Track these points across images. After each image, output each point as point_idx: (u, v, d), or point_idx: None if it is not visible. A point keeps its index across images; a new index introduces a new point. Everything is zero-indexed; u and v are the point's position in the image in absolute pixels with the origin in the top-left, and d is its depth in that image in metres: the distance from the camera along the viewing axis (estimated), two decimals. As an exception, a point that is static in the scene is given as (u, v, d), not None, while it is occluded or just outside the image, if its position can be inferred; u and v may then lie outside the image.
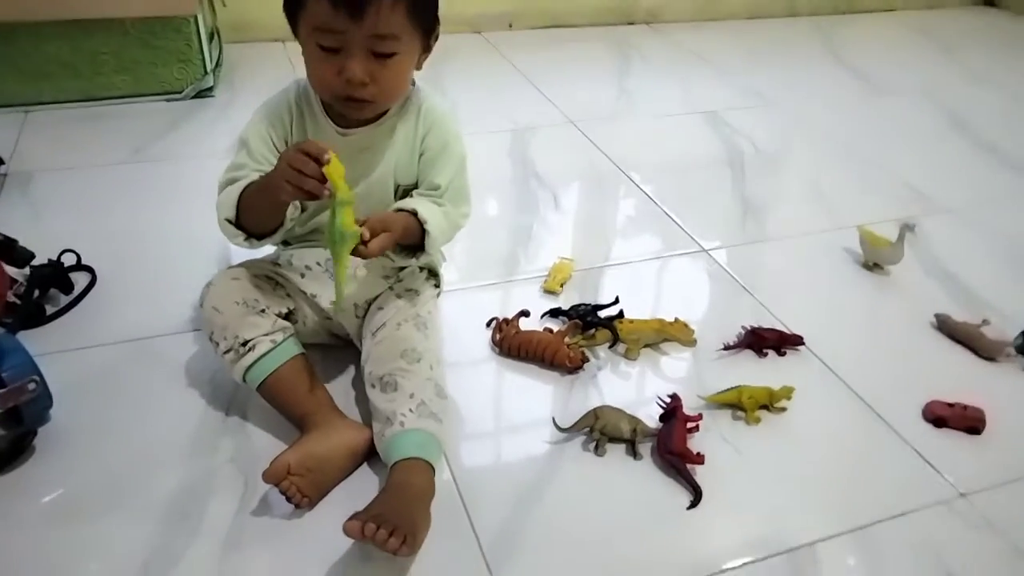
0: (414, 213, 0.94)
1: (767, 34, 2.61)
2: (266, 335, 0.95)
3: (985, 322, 1.21)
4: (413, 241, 0.96)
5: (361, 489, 0.89)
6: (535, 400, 1.07)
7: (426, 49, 0.95)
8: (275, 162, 0.96)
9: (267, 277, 1.02)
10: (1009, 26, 2.87)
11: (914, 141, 1.92)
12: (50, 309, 1.13)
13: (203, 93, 1.82)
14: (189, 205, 1.42)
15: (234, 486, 0.90)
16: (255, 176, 0.94)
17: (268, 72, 1.96)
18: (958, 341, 1.22)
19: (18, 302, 1.09)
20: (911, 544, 0.89)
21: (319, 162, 0.82)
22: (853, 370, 1.14)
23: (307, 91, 0.99)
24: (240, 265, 1.03)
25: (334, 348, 1.09)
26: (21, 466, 0.90)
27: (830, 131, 1.94)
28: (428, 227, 0.94)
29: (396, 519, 0.75)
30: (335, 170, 0.83)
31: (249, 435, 0.97)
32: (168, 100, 1.80)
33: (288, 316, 1.01)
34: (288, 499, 0.84)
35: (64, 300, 1.16)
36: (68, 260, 1.19)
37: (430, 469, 0.86)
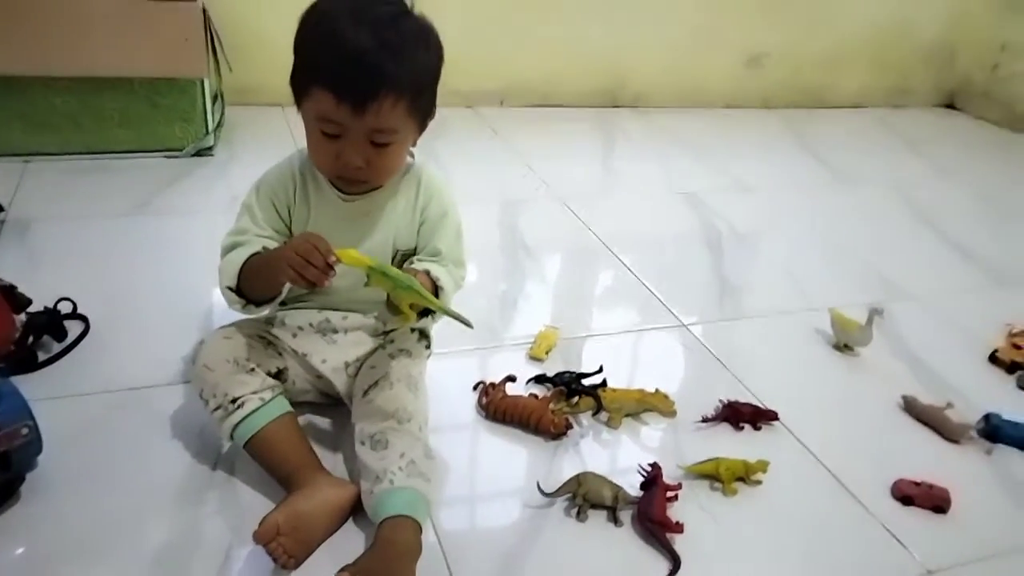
0: (426, 273, 0.98)
1: (742, 123, 2.75)
2: (254, 393, 0.97)
3: (949, 405, 1.27)
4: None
5: (346, 546, 0.90)
6: (519, 464, 1.09)
7: (421, 130, 1.02)
8: (277, 229, 1.02)
9: (259, 336, 1.05)
10: (970, 127, 3.05)
11: (881, 230, 2.02)
12: (42, 356, 1.14)
13: (203, 151, 1.87)
14: (185, 260, 1.46)
15: (220, 542, 0.90)
16: (257, 243, 0.99)
17: (267, 135, 2.03)
18: (923, 422, 1.27)
19: (12, 347, 1.10)
20: (882, 620, 0.92)
21: (325, 259, 0.87)
22: (824, 446, 1.18)
23: (309, 159, 1.04)
24: (233, 324, 1.06)
25: (323, 406, 1.11)
26: (4, 513, 0.90)
27: (801, 217, 2.04)
28: (441, 283, 0.99)
29: (386, 571, 0.77)
30: (349, 256, 0.89)
31: (235, 489, 0.98)
32: (168, 156, 1.84)
33: (278, 375, 1.03)
34: (275, 560, 0.85)
35: (57, 347, 1.17)
36: (63, 308, 1.20)
37: (417, 528, 0.88)
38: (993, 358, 1.46)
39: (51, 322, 1.16)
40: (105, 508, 0.93)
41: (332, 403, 1.10)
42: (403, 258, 1.07)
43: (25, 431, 0.89)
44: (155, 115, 1.79)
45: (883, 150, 2.67)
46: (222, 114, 1.94)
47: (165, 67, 1.73)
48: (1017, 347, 1.45)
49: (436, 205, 1.07)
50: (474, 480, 1.06)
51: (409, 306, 0.92)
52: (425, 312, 0.99)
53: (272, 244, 1.01)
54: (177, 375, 1.15)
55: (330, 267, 0.88)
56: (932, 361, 1.44)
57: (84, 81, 1.70)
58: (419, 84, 0.94)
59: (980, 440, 1.24)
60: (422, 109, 0.96)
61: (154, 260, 1.45)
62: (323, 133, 0.93)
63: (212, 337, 1.01)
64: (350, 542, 0.92)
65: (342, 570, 0.77)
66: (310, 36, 0.93)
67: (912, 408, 1.29)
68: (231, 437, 0.96)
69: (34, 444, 0.91)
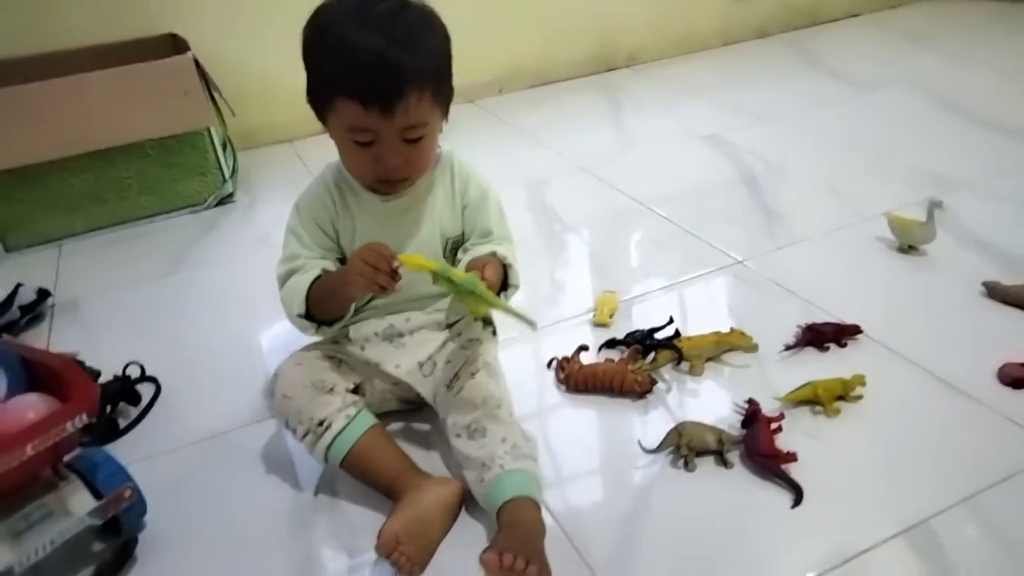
0: (492, 255, 0.97)
1: (743, 57, 2.70)
2: (339, 411, 0.97)
3: (1034, 281, 1.22)
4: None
5: (462, 543, 0.89)
6: (613, 430, 1.07)
7: (447, 115, 1.00)
8: (327, 247, 1.01)
9: (328, 357, 1.03)
10: (970, 9, 2.95)
11: (913, 128, 1.96)
12: (122, 422, 1.15)
13: (224, 200, 1.88)
14: (231, 306, 1.47)
15: (339, 563, 0.90)
16: (313, 266, 0.99)
17: (282, 171, 2.03)
18: (1011, 304, 1.22)
19: (92, 420, 1.11)
20: (1022, 505, 0.88)
21: (391, 264, 0.87)
22: (916, 349, 1.14)
23: (342, 171, 1.03)
24: (301, 350, 1.05)
25: (405, 412, 1.10)
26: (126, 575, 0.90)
27: (828, 133, 1.98)
28: (509, 260, 0.99)
29: (528, 551, 0.75)
30: (412, 261, 0.89)
31: (342, 509, 0.97)
32: (193, 212, 1.85)
33: (356, 390, 1.02)
34: (399, 570, 0.84)
35: (134, 412, 1.17)
36: (132, 373, 1.21)
37: (537, 507, 0.87)
38: (1065, 227, 1.41)
39: (124, 388, 1.17)
40: (220, 553, 0.93)
41: (414, 408, 1.09)
42: (454, 246, 1.06)
43: (128, 493, 0.89)
44: (171, 175, 1.80)
45: (891, 51, 2.60)
46: (235, 160, 1.94)
47: (170, 124, 1.74)
48: (1088, 210, 1.40)
49: (475, 187, 1.06)
50: (573, 455, 1.04)
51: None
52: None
53: (328, 264, 1.00)
54: (255, 414, 1.15)
55: (396, 272, 0.87)
56: (1001, 243, 1.39)
57: (96, 156, 1.71)
58: (437, 70, 0.93)
59: (1074, 309, 1.19)
60: (444, 94, 0.95)
61: (201, 311, 1.46)
62: (356, 143, 0.92)
63: (284, 367, 1.01)
64: (466, 538, 0.90)
65: (487, 550, 0.76)
66: (319, 49, 0.92)
67: (995, 292, 1.24)
68: (325, 459, 0.96)
69: (139, 505, 0.91)
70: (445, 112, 0.97)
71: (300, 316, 0.98)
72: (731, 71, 2.56)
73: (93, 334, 1.41)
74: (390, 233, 1.01)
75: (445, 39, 0.96)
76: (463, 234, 1.07)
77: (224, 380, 1.24)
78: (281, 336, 1.32)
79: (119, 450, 1.08)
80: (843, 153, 1.87)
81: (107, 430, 1.12)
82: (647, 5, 2.64)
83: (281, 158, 2.13)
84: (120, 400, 1.17)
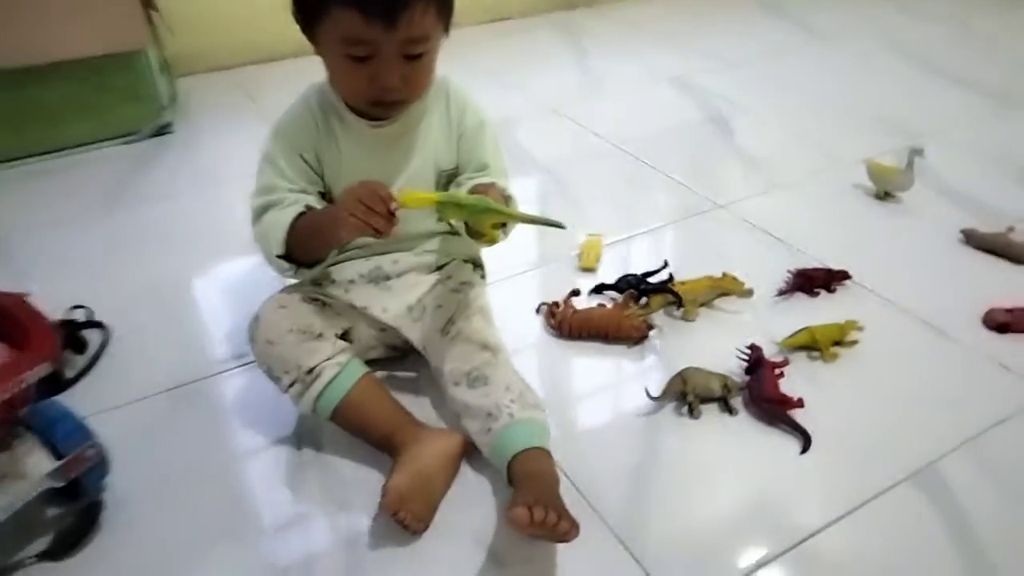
0: (492, 186, 0.89)
1: (702, 2, 2.64)
2: (329, 359, 0.89)
3: (1010, 229, 1.24)
4: None
5: (464, 496, 0.85)
6: (612, 378, 1.03)
7: (447, 33, 0.91)
8: (309, 179, 0.92)
9: (312, 299, 0.95)
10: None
11: (880, 79, 1.97)
12: (68, 373, 1.03)
13: (162, 131, 1.71)
14: (179, 245, 1.35)
15: (334, 522, 0.83)
16: (293, 200, 0.89)
17: (225, 102, 1.87)
18: (988, 251, 1.24)
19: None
20: (1020, 446, 0.90)
21: (387, 203, 0.78)
22: (903, 294, 1.15)
23: (327, 94, 0.93)
24: (282, 291, 0.96)
25: (388, 361, 1.03)
26: (91, 545, 0.81)
27: (794, 80, 1.97)
28: (509, 193, 0.90)
29: (554, 503, 0.71)
30: (414, 198, 0.80)
31: (331, 464, 0.90)
32: (126, 143, 1.68)
33: (344, 336, 0.94)
34: (405, 527, 0.78)
35: (80, 361, 1.06)
36: (76, 318, 1.09)
37: (551, 457, 0.82)
38: (1032, 176, 1.44)
39: (69, 334, 1.05)
40: (198, 518, 0.84)
41: (399, 355, 1.02)
42: (448, 179, 0.98)
43: (90, 452, 0.80)
44: (102, 100, 1.63)
45: (853, 3, 2.59)
46: (173, 87, 1.77)
47: (102, 43, 1.56)
48: (1054, 160, 1.43)
49: (471, 115, 0.97)
50: (572, 403, 0.99)
51: (491, 226, 0.83)
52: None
53: (311, 199, 0.90)
54: (222, 362, 1.06)
55: (393, 214, 0.79)
56: (974, 191, 1.41)
57: (15, 75, 1.52)
58: None
59: (1050, 256, 1.21)
60: (448, 9, 0.85)
61: (145, 252, 1.33)
62: (351, 58, 0.82)
63: (265, 310, 0.92)
64: (467, 491, 0.85)
65: (515, 505, 0.71)
66: None
67: (973, 238, 1.26)
68: (314, 410, 0.88)
69: (101, 465, 0.82)
70: (447, 29, 0.88)
71: (279, 257, 0.89)
72: (691, 15, 2.51)
73: (25, 274, 1.26)
74: (380, 163, 0.93)
75: None
76: (457, 167, 0.99)
77: (182, 325, 1.14)
78: (239, 278, 1.22)
79: (70, 403, 0.95)
80: (809, 100, 1.85)
81: (51, 380, 1.00)
82: (606, -59, 2.55)
83: (223, 86, 1.96)
84: (64, 348, 1.05)
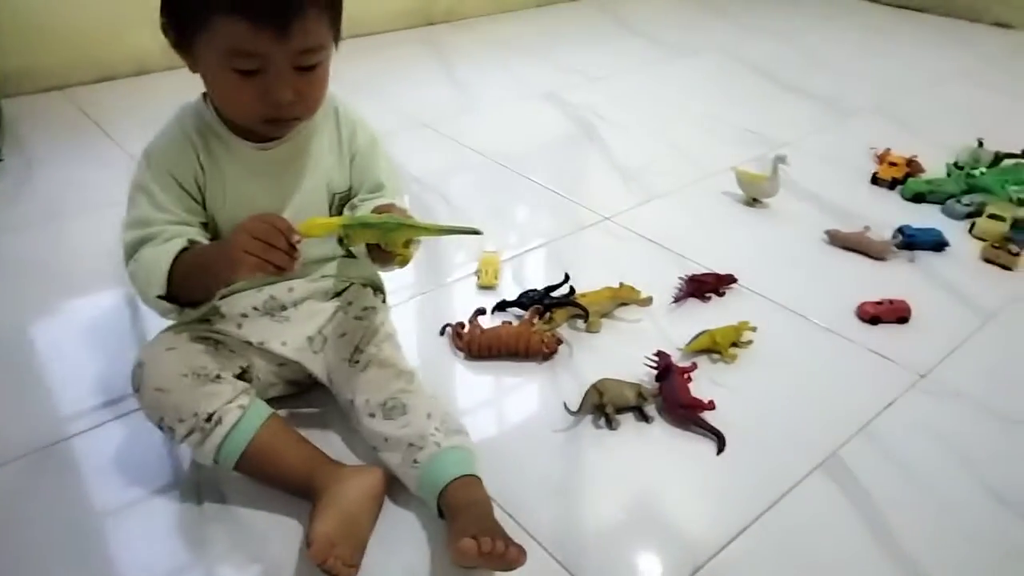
0: (392, 206, 0.84)
1: (560, 19, 2.72)
2: (230, 403, 0.81)
3: (867, 228, 1.35)
4: None
5: (391, 533, 0.80)
6: (524, 396, 1.02)
7: (337, 44, 0.86)
8: (189, 209, 0.84)
9: (203, 338, 0.86)
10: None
11: (728, 91, 2.10)
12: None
13: (-11, 159, 1.52)
14: (23, 287, 1.19)
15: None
16: (172, 233, 0.81)
17: (58, 124, 1.68)
18: (850, 249, 1.35)
19: None
20: (907, 427, 0.97)
21: (288, 239, 0.72)
22: (784, 294, 1.22)
23: (203, 115, 0.85)
24: (167, 331, 0.87)
25: (291, 397, 0.95)
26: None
27: (655, 94, 2.06)
28: (408, 214, 0.85)
29: (497, 531, 0.68)
30: (317, 226, 0.75)
31: (238, 517, 0.82)
32: (-53, 174, 1.47)
33: (242, 375, 0.87)
34: (335, 575, 0.72)
35: (-85, 428, 0.90)
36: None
37: (481, 483, 0.79)
38: (875, 179, 1.58)
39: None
40: (84, 592, 0.74)
41: (301, 390, 0.96)
42: (341, 202, 0.93)
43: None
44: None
45: (693, 20, 2.75)
46: (-1, 109, 1.58)
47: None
48: (892, 164, 1.58)
49: (363, 134, 0.93)
50: (489, 425, 0.97)
51: (403, 244, 0.79)
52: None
53: (192, 231, 0.82)
54: (100, 413, 0.94)
55: (295, 248, 0.73)
56: (829, 195, 1.53)
57: None
58: None
59: (900, 252, 1.33)
60: (339, 16, 0.81)
61: (-7, 294, 1.16)
62: (237, 72, 0.75)
63: (151, 354, 0.82)
64: (393, 528, 0.81)
65: (461, 538, 0.69)
66: None
67: (837, 238, 1.36)
68: (215, 460, 0.80)
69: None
70: (337, 38, 0.83)
71: (159, 297, 0.80)
72: (554, 32, 2.57)
73: None
74: (268, 188, 0.87)
75: None
76: (351, 188, 0.94)
77: (30, 380, 1.00)
78: (95, 321, 1.11)
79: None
80: (674, 113, 1.94)
81: None
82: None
83: (54, 107, 1.76)
84: None
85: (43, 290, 1.18)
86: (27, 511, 0.82)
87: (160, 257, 0.79)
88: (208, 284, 0.80)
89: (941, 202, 1.49)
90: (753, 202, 1.49)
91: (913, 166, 1.59)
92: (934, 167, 1.61)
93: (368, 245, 0.81)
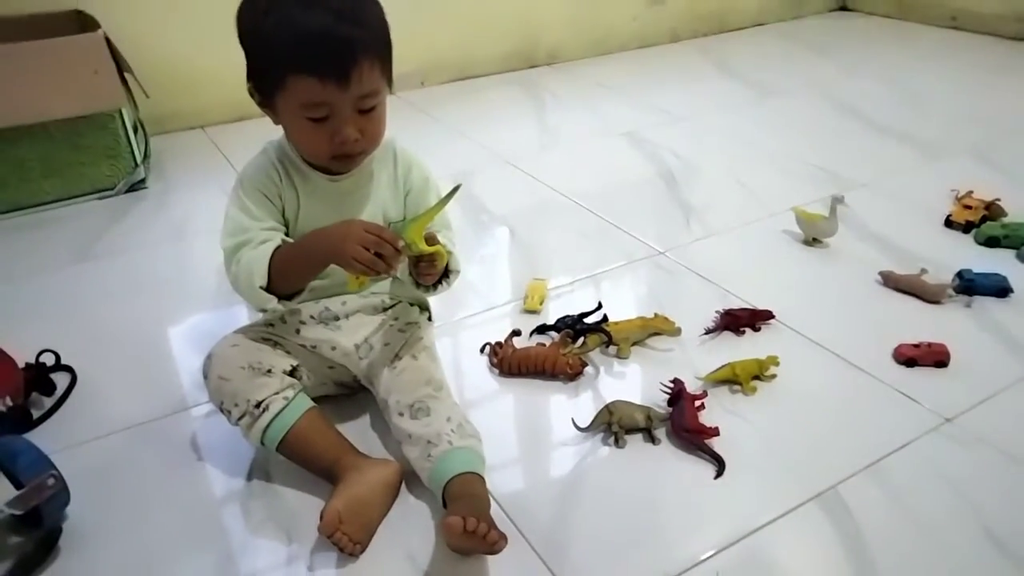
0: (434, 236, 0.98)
1: (657, 60, 2.80)
2: (277, 394, 0.96)
3: (924, 271, 1.34)
4: None
5: (401, 523, 0.91)
6: (546, 412, 1.10)
7: (391, 85, 1.00)
8: (277, 218, 1.00)
9: (263, 339, 1.02)
10: (865, 24, 3.17)
11: (814, 131, 2.09)
12: (35, 413, 1.09)
13: (136, 186, 1.80)
14: (147, 294, 1.43)
15: (277, 546, 0.89)
16: (263, 235, 0.96)
17: (196, 159, 1.97)
18: (904, 291, 1.33)
19: (2, 410, 1.05)
20: (918, 469, 0.97)
21: (395, 248, 0.88)
22: (822, 332, 1.23)
23: (285, 150, 1.02)
24: (236, 332, 1.04)
25: (339, 398, 1.10)
26: (48, 570, 0.86)
27: (736, 133, 2.09)
28: (450, 247, 1.00)
29: (486, 518, 0.78)
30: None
31: (277, 494, 0.96)
32: (101, 198, 1.77)
33: (292, 373, 1.02)
34: (341, 549, 0.84)
35: (47, 402, 1.12)
36: (45, 361, 1.15)
37: (484, 482, 0.90)
38: (948, 222, 1.54)
39: (38, 376, 1.11)
40: (151, 544, 0.90)
41: (349, 392, 1.10)
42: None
43: (51, 481, 0.86)
44: (79, 157, 1.72)
45: (793, 59, 2.76)
46: (147, 145, 1.87)
47: (80, 104, 1.66)
48: (967, 207, 1.54)
49: (417, 172, 1.07)
50: (509, 435, 1.06)
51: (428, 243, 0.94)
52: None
53: (280, 235, 0.98)
54: (178, 403, 1.13)
55: (399, 252, 0.89)
56: (895, 237, 1.51)
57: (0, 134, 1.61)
58: (383, 38, 0.94)
59: (958, 296, 1.31)
60: (390, 64, 0.96)
61: (113, 301, 1.40)
62: (311, 120, 0.91)
63: (219, 348, 0.99)
64: (405, 519, 0.92)
65: (449, 515, 0.79)
66: (263, 31, 0.90)
67: (890, 280, 1.35)
68: (261, 442, 0.95)
69: (62, 494, 0.88)
70: (390, 81, 0.98)
71: (262, 288, 0.94)
72: (647, 73, 2.66)
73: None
74: (336, 213, 1.01)
75: (382, 10, 0.97)
76: (404, 219, 1.08)
77: (141, 369, 1.21)
78: (199, 326, 1.31)
79: (37, 440, 1.01)
80: (751, 152, 1.97)
81: (20, 420, 1.06)
82: (567, 5, 2.70)
83: (195, 145, 2.06)
84: (33, 390, 1.11)
85: (164, 297, 1.40)
86: (125, 471, 1.01)
87: (260, 252, 0.94)
88: (303, 275, 0.96)
89: (1016, 247, 1.44)
90: (813, 241, 1.50)
91: (993, 209, 1.54)
92: (1021, 212, 1.55)
93: (410, 269, 0.95)
